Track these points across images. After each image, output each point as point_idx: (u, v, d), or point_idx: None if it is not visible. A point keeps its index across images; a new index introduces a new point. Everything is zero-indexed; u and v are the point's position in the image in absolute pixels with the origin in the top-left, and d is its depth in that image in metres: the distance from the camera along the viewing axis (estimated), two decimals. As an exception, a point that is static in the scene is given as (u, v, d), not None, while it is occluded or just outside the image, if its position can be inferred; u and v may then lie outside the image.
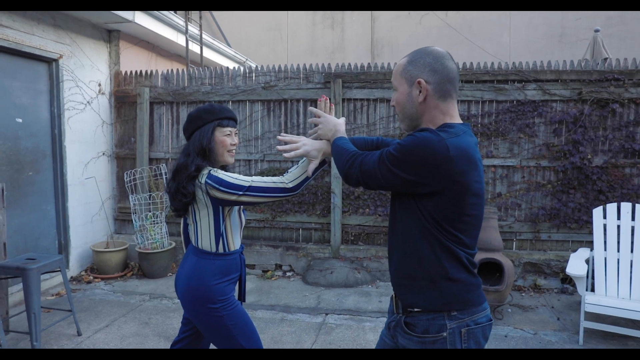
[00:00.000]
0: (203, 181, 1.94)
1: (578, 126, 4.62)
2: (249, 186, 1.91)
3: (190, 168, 1.95)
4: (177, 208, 2.03)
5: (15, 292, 4.23)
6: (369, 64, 5.09)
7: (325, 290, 4.81)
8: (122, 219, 5.69)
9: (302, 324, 3.97)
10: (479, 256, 4.00)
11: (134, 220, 5.11)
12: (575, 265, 3.70)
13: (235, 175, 1.96)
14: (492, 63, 4.79)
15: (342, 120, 1.86)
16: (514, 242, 4.90)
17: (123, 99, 5.60)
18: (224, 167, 2.24)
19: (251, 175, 5.32)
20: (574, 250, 4.57)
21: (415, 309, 1.51)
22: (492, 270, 4.14)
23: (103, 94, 5.46)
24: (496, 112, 4.80)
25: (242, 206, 2.12)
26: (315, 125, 1.86)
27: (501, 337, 3.70)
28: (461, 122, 1.54)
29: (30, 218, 4.60)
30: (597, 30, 6.37)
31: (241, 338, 1.99)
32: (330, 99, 5.10)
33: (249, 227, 5.46)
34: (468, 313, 1.47)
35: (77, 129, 5.05)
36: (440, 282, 1.46)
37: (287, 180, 1.93)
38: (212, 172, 1.96)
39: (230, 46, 10.72)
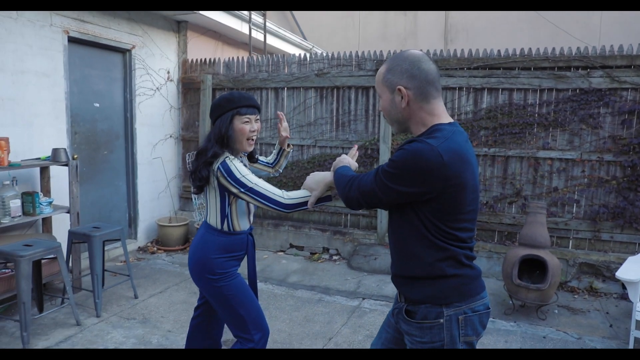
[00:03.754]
0: (216, 167, 2.09)
1: (652, 117, 4.18)
2: (250, 187, 2.01)
3: (207, 154, 2.10)
4: (195, 186, 2.22)
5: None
6: (421, 50, 4.98)
7: (368, 275, 4.87)
8: (186, 197, 6.16)
9: (337, 306, 4.09)
10: (522, 252, 3.83)
11: (193, 199, 5.54)
12: (628, 269, 3.41)
13: (247, 172, 2.06)
14: (553, 48, 4.45)
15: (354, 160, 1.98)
16: (570, 241, 4.58)
17: (189, 85, 6.03)
18: (251, 153, 2.38)
19: (304, 160, 5.51)
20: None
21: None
22: (535, 267, 3.94)
23: (171, 80, 5.92)
24: (555, 101, 4.48)
25: None
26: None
27: (539, 337, 3.54)
28: (449, 120, 1.58)
29: (104, 192, 5.18)
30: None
31: (239, 307, 2.15)
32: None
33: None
34: (466, 302, 1.54)
35: (147, 113, 5.55)
36: (439, 280, 1.54)
37: (286, 196, 2.00)
38: (227, 160, 2.08)
39: (303, 34, 10.94)
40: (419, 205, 1.50)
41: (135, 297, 4.12)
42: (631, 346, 3.30)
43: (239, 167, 2.07)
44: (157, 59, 5.64)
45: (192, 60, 6.04)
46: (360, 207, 1.62)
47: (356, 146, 2.11)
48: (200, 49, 6.30)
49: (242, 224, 2.24)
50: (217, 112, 2.18)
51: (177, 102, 6.06)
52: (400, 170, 1.46)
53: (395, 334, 1.76)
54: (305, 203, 1.99)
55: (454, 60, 4.77)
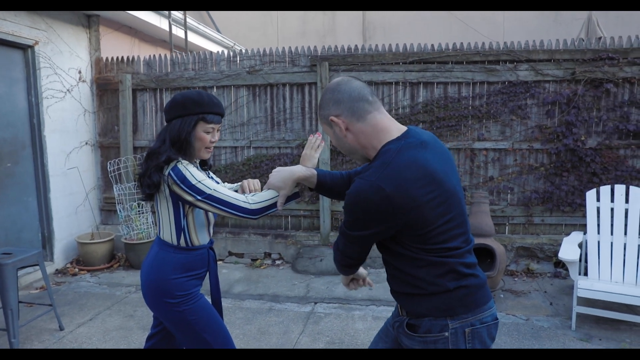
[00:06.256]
0: (166, 172, 1.82)
1: (571, 107, 4.50)
2: (209, 194, 1.79)
3: (160, 158, 1.83)
4: (144, 193, 1.91)
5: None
6: (356, 45, 4.94)
7: (315, 278, 4.73)
8: (108, 209, 5.57)
9: (290, 314, 3.90)
10: (470, 242, 3.92)
11: (118, 211, 5.00)
12: (568, 250, 3.62)
13: (202, 177, 1.82)
14: (483, 43, 4.64)
15: (310, 167, 1.81)
16: (507, 227, 4.81)
17: (105, 86, 5.44)
18: (205, 160, 2.11)
19: (239, 163, 5.22)
20: (568, 234, 4.49)
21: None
22: (484, 256, 4.06)
23: (84, 81, 5.30)
24: (487, 94, 4.67)
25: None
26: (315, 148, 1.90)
27: (492, 323, 3.63)
28: (401, 131, 1.45)
29: (11, 211, 4.48)
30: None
31: (205, 333, 1.90)
32: (317, 85, 4.97)
33: (238, 215, 5.36)
34: (472, 313, 1.44)
35: (58, 117, 4.90)
36: (441, 295, 1.43)
37: (251, 201, 1.79)
38: (178, 164, 1.82)
39: (219, 31, 10.48)
40: (394, 236, 1.41)
41: (61, 328, 3.59)
42: (573, 321, 3.51)
43: (194, 172, 1.82)
44: (65, 57, 5.00)
45: (106, 59, 5.46)
46: (355, 266, 1.60)
47: (319, 134, 1.90)
48: (115, 47, 5.72)
49: (202, 237, 1.98)
50: (180, 112, 1.87)
51: (92, 105, 5.44)
52: (353, 216, 1.39)
53: (394, 345, 1.65)
54: (274, 205, 1.79)
55: (390, 55, 4.78)
